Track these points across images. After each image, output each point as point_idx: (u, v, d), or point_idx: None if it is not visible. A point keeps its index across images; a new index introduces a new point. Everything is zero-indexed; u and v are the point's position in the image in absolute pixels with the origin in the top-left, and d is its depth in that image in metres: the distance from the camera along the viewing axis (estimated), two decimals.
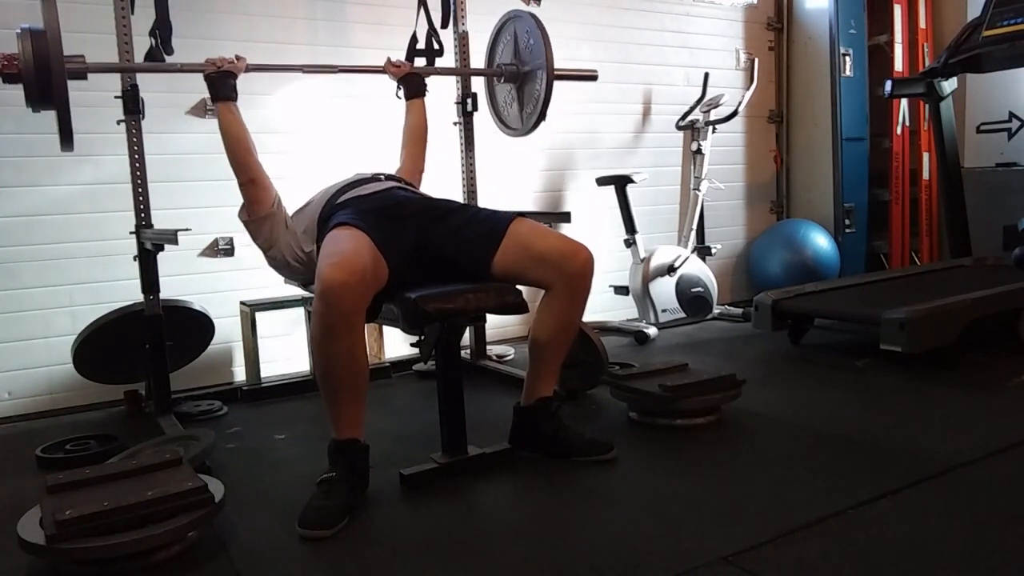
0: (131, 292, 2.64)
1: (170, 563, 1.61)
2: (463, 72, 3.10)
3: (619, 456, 2.10)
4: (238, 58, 2.34)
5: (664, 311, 3.87)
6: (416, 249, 2.03)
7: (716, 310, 4.07)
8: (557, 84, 2.73)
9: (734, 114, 4.10)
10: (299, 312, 3.12)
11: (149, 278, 2.52)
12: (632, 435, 2.32)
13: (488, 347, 3.37)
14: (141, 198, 2.49)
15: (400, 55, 2.83)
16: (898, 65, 4.54)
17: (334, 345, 1.77)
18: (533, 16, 2.74)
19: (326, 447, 1.88)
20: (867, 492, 1.79)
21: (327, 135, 3.33)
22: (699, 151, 4.14)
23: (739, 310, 4.03)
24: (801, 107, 4.78)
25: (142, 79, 2.48)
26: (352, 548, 1.67)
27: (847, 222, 4.53)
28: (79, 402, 2.91)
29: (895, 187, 4.60)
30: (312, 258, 2.08)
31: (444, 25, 3.02)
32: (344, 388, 1.83)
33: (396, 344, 3.37)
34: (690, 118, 4.22)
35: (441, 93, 3.07)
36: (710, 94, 4.19)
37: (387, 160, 2.72)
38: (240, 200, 2.21)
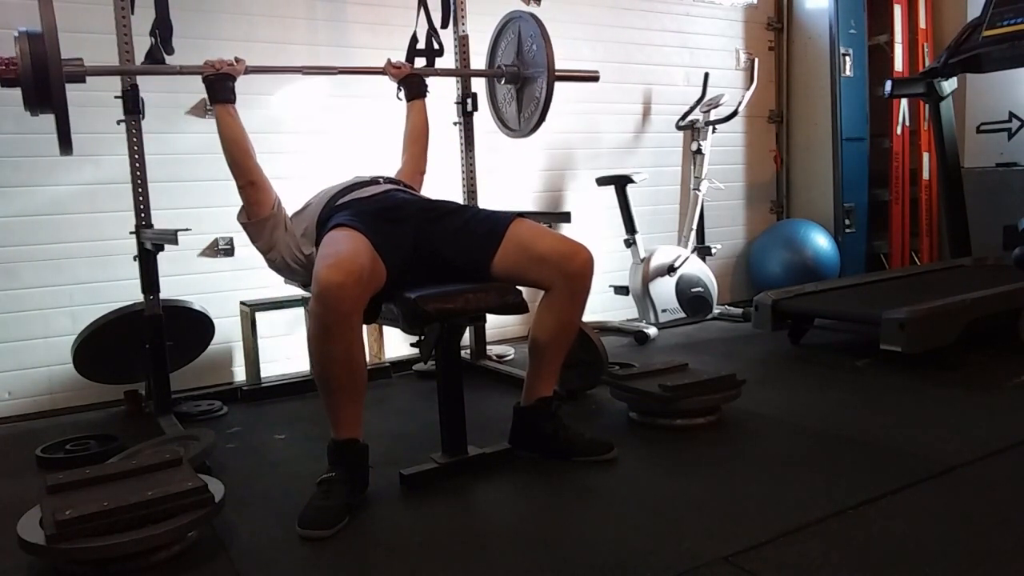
0: (131, 292, 2.64)
1: (170, 563, 1.61)
2: (463, 73, 3.10)
3: (619, 456, 2.10)
4: (237, 60, 2.33)
5: (664, 311, 3.87)
6: (415, 250, 2.03)
7: (716, 310, 4.07)
8: (557, 84, 2.73)
9: (734, 114, 4.10)
10: (299, 312, 3.12)
11: (149, 278, 2.52)
12: (632, 435, 2.32)
13: (488, 347, 3.37)
14: (141, 198, 2.49)
15: (400, 55, 2.83)
16: (898, 65, 4.53)
17: (332, 346, 1.77)
18: (535, 17, 2.74)
19: (326, 447, 1.88)
20: (867, 492, 1.79)
21: (327, 135, 3.33)
22: (699, 151, 4.14)
23: (739, 310, 4.03)
24: (801, 107, 4.78)
25: (142, 79, 2.48)
26: (352, 548, 1.67)
27: (847, 222, 4.53)
28: (79, 402, 2.91)
29: (895, 187, 4.60)
30: (312, 260, 2.07)
31: (444, 25, 3.01)
32: (342, 388, 1.83)
33: (396, 344, 3.37)
34: (690, 118, 4.22)
35: (441, 93, 3.07)
36: (710, 94, 4.19)
37: (387, 159, 2.72)
38: (240, 201, 2.22)
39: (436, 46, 2.91)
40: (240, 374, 3.15)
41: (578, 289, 2.05)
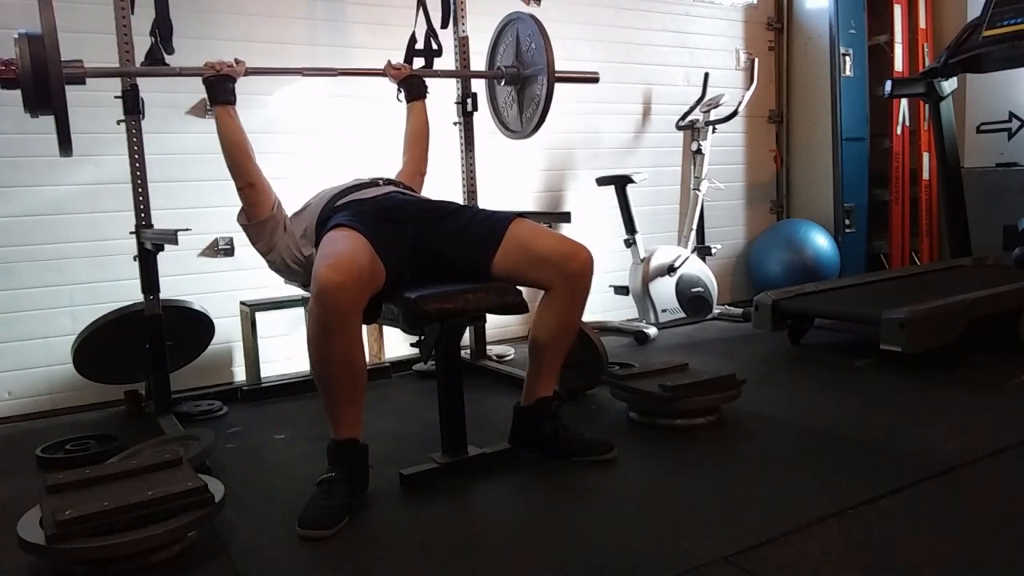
0: (131, 292, 2.64)
1: (170, 563, 1.61)
2: (463, 74, 3.09)
3: (619, 456, 2.10)
4: (237, 62, 2.33)
5: (664, 311, 3.87)
6: (415, 251, 2.03)
7: (716, 310, 4.07)
8: (557, 84, 2.73)
9: (734, 114, 4.10)
10: (299, 312, 3.12)
11: (149, 278, 2.52)
12: (632, 435, 2.32)
13: (488, 347, 3.37)
14: (141, 198, 2.49)
15: (400, 55, 2.83)
16: (898, 65, 4.54)
17: (331, 346, 1.77)
18: (534, 18, 2.74)
19: (326, 447, 1.88)
20: (867, 492, 1.79)
21: (326, 135, 3.33)
22: (699, 151, 4.14)
23: (739, 310, 4.03)
24: (801, 107, 4.78)
25: (142, 79, 2.48)
26: (352, 548, 1.67)
27: (847, 222, 4.53)
28: (79, 402, 2.91)
29: (895, 187, 4.60)
30: (311, 260, 2.07)
31: (444, 25, 3.01)
32: (342, 389, 1.83)
33: (396, 344, 3.37)
34: (690, 118, 4.22)
35: (441, 93, 3.07)
36: (710, 94, 4.19)
37: (387, 160, 2.72)
38: (240, 202, 2.21)
39: (435, 46, 2.91)
40: (240, 374, 3.15)
41: (578, 289, 2.05)
